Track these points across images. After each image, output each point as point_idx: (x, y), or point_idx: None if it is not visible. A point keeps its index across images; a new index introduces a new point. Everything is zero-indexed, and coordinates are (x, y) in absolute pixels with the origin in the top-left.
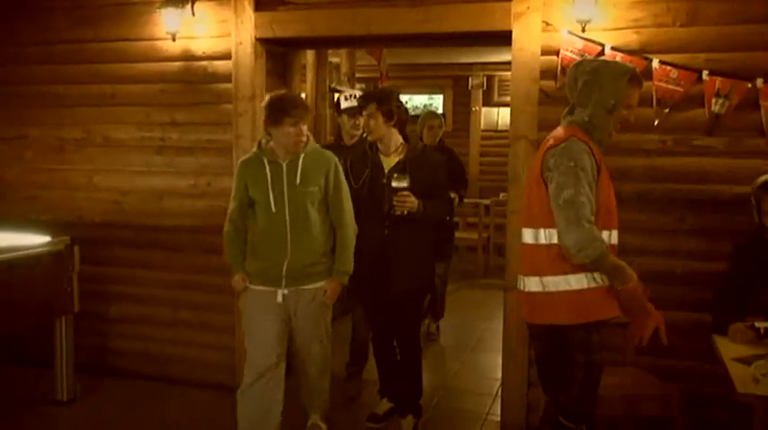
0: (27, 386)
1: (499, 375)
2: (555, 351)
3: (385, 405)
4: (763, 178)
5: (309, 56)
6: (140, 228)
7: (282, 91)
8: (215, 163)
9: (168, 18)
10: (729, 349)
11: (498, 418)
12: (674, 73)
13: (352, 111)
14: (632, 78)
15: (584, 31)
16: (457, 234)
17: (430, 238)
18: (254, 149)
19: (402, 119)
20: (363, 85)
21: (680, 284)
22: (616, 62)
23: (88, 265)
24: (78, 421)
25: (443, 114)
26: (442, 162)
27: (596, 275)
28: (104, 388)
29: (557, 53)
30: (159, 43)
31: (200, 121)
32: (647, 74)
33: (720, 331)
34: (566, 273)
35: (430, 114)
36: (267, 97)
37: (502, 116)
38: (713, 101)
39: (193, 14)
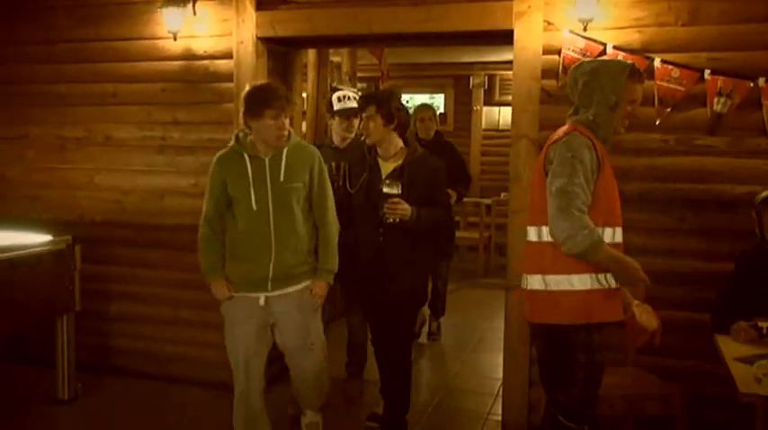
0: (28, 385)
1: (500, 375)
2: (556, 350)
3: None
4: (764, 194)
5: (311, 55)
6: (141, 227)
7: (263, 81)
8: None
9: (170, 17)
10: (731, 349)
11: (499, 418)
12: (675, 72)
13: (345, 113)
14: (632, 73)
15: (585, 30)
16: (458, 233)
17: (428, 247)
18: (232, 143)
19: (402, 122)
20: (364, 85)
21: (680, 284)
22: (614, 60)
23: (89, 264)
24: (79, 420)
25: (444, 113)
26: (441, 167)
27: (601, 277)
28: (105, 387)
29: (558, 52)
30: (161, 42)
31: (202, 121)
32: (649, 73)
33: (722, 331)
34: (569, 272)
35: (422, 107)
36: (247, 87)
37: (503, 115)
38: (715, 100)
39: (195, 13)
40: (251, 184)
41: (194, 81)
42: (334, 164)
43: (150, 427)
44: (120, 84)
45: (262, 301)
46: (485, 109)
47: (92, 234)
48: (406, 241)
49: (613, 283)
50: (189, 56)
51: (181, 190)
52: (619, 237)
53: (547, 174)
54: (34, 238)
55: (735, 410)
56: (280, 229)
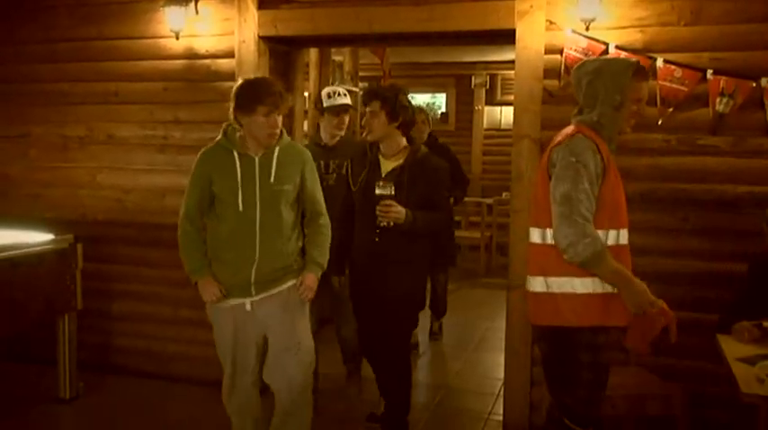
0: (30, 384)
1: (501, 374)
2: (561, 352)
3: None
4: None
5: (312, 54)
6: (143, 225)
7: (257, 76)
8: None
9: (172, 16)
10: (733, 349)
11: (501, 418)
12: (678, 72)
13: (335, 110)
14: (636, 72)
15: (588, 29)
16: (460, 233)
17: (425, 251)
18: (219, 138)
19: (407, 120)
20: (366, 84)
21: (682, 284)
22: (618, 58)
23: (91, 263)
24: (81, 419)
25: (445, 113)
26: (443, 170)
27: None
28: (107, 386)
29: (560, 52)
30: (163, 41)
31: (203, 120)
32: (652, 73)
33: (727, 332)
34: (572, 275)
35: (415, 109)
36: (239, 81)
37: (505, 115)
38: (717, 100)
39: (197, 13)
40: (239, 184)
41: (196, 80)
42: (323, 162)
43: (152, 426)
44: (122, 83)
45: (248, 307)
46: (486, 108)
47: (93, 233)
48: (402, 243)
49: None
50: (191, 55)
51: (182, 189)
52: (624, 239)
53: (550, 178)
54: (36, 237)
55: (735, 410)
56: (266, 232)
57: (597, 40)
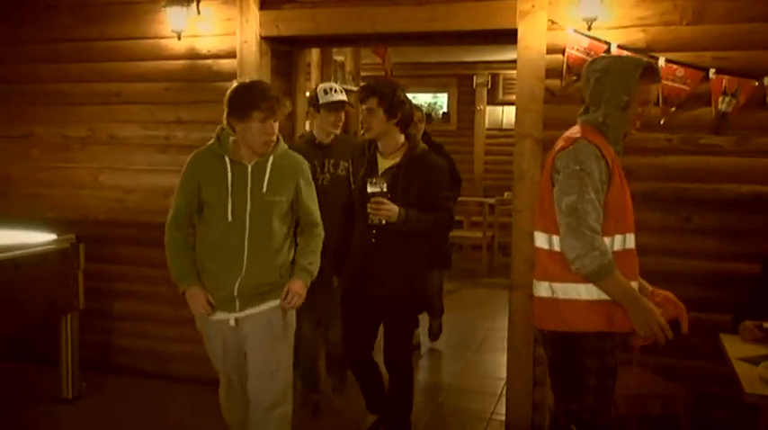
0: (32, 383)
1: (503, 375)
2: (567, 357)
3: (370, 419)
4: None
5: (314, 54)
6: (144, 225)
7: (252, 79)
8: None
9: (173, 16)
10: (736, 349)
11: (503, 418)
12: (680, 71)
13: (333, 106)
14: (645, 72)
15: (589, 29)
16: (461, 233)
17: (424, 251)
18: (212, 142)
19: (405, 117)
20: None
21: (685, 283)
22: (629, 57)
23: (93, 263)
24: (83, 419)
25: (447, 112)
26: (442, 168)
27: None
28: (109, 385)
29: (562, 51)
30: (164, 42)
31: (205, 120)
32: None
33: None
34: (578, 281)
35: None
36: (234, 84)
37: (506, 115)
38: (720, 99)
39: (199, 13)
40: (229, 193)
41: (198, 80)
42: (317, 161)
43: (153, 426)
44: (124, 83)
45: (232, 322)
46: (488, 108)
47: (95, 233)
48: (398, 243)
49: None
50: (192, 55)
51: None
52: (631, 243)
53: (554, 184)
54: (38, 237)
55: (738, 410)
56: (254, 246)
57: (599, 40)
